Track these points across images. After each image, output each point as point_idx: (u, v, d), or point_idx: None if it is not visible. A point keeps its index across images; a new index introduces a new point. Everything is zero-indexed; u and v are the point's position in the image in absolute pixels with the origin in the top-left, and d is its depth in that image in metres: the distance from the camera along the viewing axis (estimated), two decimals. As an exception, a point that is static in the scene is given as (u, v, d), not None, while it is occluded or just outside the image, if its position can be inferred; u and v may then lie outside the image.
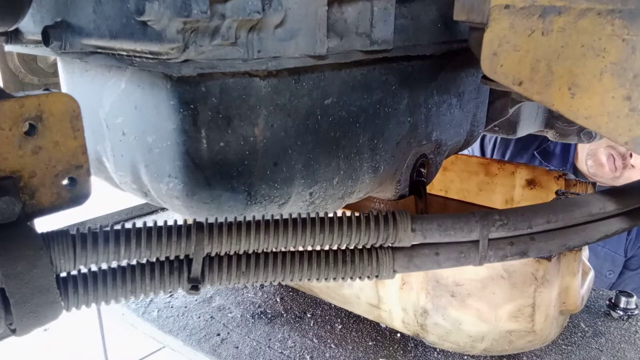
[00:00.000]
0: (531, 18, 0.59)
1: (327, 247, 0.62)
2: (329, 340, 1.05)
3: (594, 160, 1.82)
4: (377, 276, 0.63)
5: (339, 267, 0.61)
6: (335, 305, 1.16)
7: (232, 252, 0.58)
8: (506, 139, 2.01)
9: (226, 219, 0.58)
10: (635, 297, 1.14)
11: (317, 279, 0.61)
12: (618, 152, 1.76)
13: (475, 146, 2.07)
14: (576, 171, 1.91)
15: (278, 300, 1.20)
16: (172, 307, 1.19)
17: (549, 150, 1.96)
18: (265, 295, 1.22)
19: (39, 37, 0.65)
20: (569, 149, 1.93)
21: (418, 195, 0.92)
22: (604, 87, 0.55)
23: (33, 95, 0.49)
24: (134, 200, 1.33)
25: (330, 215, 0.61)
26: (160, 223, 0.56)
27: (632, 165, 1.76)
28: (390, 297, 1.00)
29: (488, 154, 2.05)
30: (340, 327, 1.10)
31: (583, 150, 1.88)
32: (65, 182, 0.52)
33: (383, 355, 1.00)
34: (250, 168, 0.65)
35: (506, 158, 1.99)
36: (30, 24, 0.72)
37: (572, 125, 1.32)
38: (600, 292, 1.23)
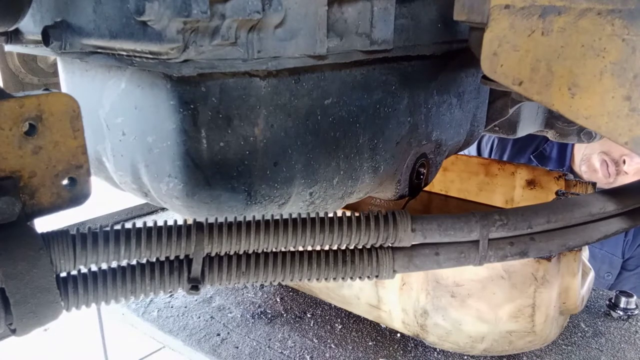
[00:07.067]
0: (531, 18, 0.59)
1: (327, 247, 0.62)
2: (329, 340, 1.05)
3: (587, 166, 1.81)
4: (377, 276, 0.63)
5: (339, 267, 0.61)
6: (335, 305, 1.16)
7: (232, 252, 0.58)
8: (504, 142, 2.01)
9: (226, 219, 0.58)
10: (635, 297, 1.14)
11: (317, 279, 0.61)
12: (611, 158, 1.75)
13: (472, 149, 2.07)
14: (573, 175, 1.91)
15: (278, 300, 1.20)
16: (172, 307, 1.19)
17: (545, 153, 1.95)
18: (265, 295, 1.22)
19: (39, 37, 0.65)
20: (565, 152, 1.92)
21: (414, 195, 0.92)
22: (604, 87, 0.55)
23: (33, 95, 0.48)
24: (134, 200, 1.33)
25: (330, 215, 0.61)
26: (160, 223, 0.56)
27: (626, 172, 1.75)
28: (390, 298, 1.00)
29: (485, 157, 2.05)
30: (340, 327, 1.10)
31: (579, 154, 1.88)
32: (65, 182, 0.52)
33: (383, 355, 1.00)
34: (250, 168, 0.65)
35: None
36: (30, 24, 0.72)
37: (572, 125, 1.32)
38: (600, 292, 1.23)
